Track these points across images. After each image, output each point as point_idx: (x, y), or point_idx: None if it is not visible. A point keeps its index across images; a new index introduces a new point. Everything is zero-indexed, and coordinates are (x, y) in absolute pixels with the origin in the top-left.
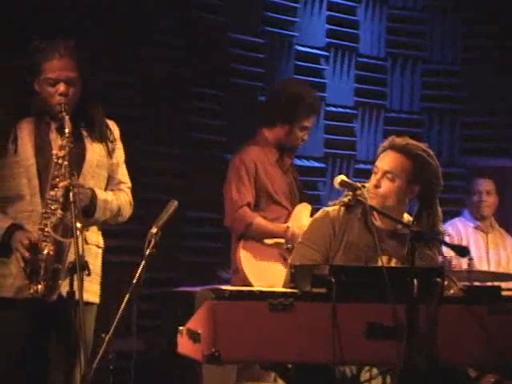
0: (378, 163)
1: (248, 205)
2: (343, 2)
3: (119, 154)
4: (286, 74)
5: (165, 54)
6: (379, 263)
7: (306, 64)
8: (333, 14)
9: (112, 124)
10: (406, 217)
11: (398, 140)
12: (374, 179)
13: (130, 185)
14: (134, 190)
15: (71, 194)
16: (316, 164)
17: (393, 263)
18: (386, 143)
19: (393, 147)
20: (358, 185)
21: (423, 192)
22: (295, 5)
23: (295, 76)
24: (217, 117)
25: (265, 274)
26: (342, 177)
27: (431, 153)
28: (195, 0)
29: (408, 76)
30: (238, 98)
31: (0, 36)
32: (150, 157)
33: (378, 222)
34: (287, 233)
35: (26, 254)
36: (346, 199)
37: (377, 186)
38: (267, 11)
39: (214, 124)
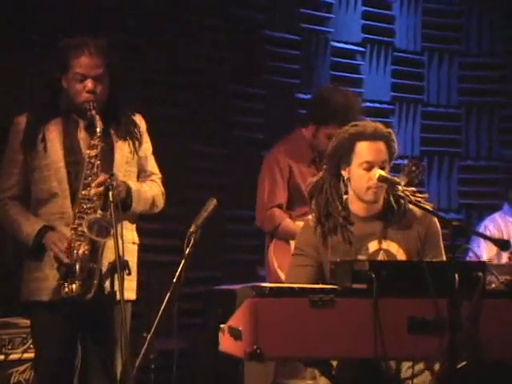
0: (370, 158)
1: (279, 206)
2: None
3: (146, 147)
4: (323, 71)
5: (203, 52)
6: (370, 249)
7: (343, 60)
8: (368, 9)
9: (139, 118)
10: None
11: (370, 128)
12: (370, 175)
13: (160, 175)
14: (177, 190)
15: (110, 194)
16: None
17: (384, 245)
18: (355, 133)
19: (374, 137)
20: (397, 180)
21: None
22: (330, 1)
23: (332, 72)
24: (254, 114)
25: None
26: (381, 172)
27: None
28: None
29: (445, 70)
30: (275, 95)
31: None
32: (190, 156)
33: (357, 211)
34: None
35: (66, 260)
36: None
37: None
38: (303, 8)
39: (252, 122)
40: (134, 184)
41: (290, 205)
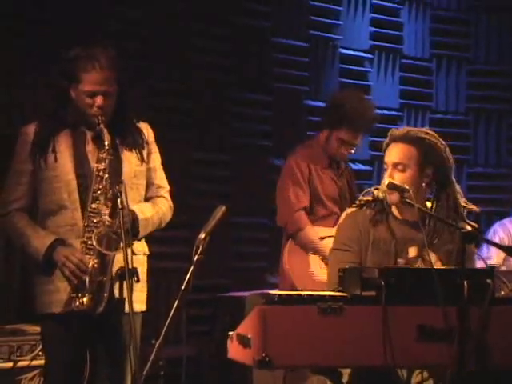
0: (385, 159)
1: (305, 209)
2: (387, 3)
3: (155, 157)
4: (331, 78)
5: (209, 60)
6: (410, 254)
7: (351, 67)
8: (376, 16)
9: (145, 127)
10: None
11: (398, 131)
12: (386, 175)
13: (168, 188)
14: (183, 197)
15: (119, 201)
16: (362, 167)
17: (424, 253)
18: (386, 139)
19: (394, 139)
20: (406, 187)
21: (437, 174)
22: (339, 8)
23: (340, 79)
24: (262, 121)
25: (310, 277)
26: (390, 179)
27: (434, 134)
28: (239, 5)
29: (453, 77)
30: (284, 102)
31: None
32: (197, 163)
33: (401, 215)
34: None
35: (84, 277)
36: (366, 198)
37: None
38: (311, 15)
39: (260, 129)
40: (141, 212)
41: (309, 208)
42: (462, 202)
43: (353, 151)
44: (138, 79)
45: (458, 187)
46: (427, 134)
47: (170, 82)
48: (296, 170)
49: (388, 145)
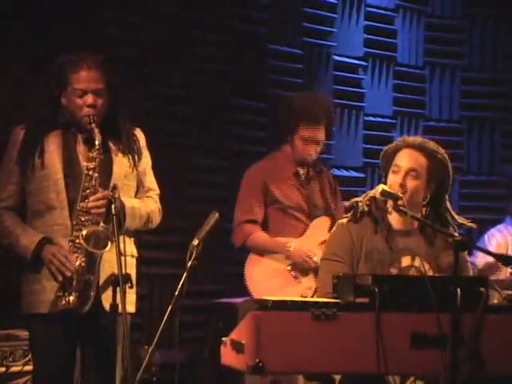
0: (398, 162)
1: (250, 221)
2: (381, 11)
3: (145, 161)
4: (325, 84)
5: (204, 67)
6: (403, 264)
7: (345, 74)
8: (370, 23)
9: (138, 132)
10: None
11: (412, 138)
12: (397, 178)
13: (158, 191)
14: (179, 203)
15: (113, 207)
16: (355, 174)
17: (416, 262)
18: (399, 142)
19: (408, 145)
20: (399, 194)
21: (436, 190)
22: (333, 15)
23: (334, 86)
24: (257, 128)
25: (271, 292)
26: (383, 186)
27: (444, 151)
28: (235, 12)
29: (447, 84)
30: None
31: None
32: (192, 169)
33: (395, 224)
34: (286, 249)
35: (68, 274)
36: (361, 209)
37: (403, 185)
38: (305, 22)
39: (255, 135)
40: (129, 201)
41: (270, 219)
42: (460, 219)
43: (319, 149)
44: (137, 84)
45: (449, 205)
46: (439, 149)
47: (166, 87)
48: (246, 186)
49: (399, 149)
